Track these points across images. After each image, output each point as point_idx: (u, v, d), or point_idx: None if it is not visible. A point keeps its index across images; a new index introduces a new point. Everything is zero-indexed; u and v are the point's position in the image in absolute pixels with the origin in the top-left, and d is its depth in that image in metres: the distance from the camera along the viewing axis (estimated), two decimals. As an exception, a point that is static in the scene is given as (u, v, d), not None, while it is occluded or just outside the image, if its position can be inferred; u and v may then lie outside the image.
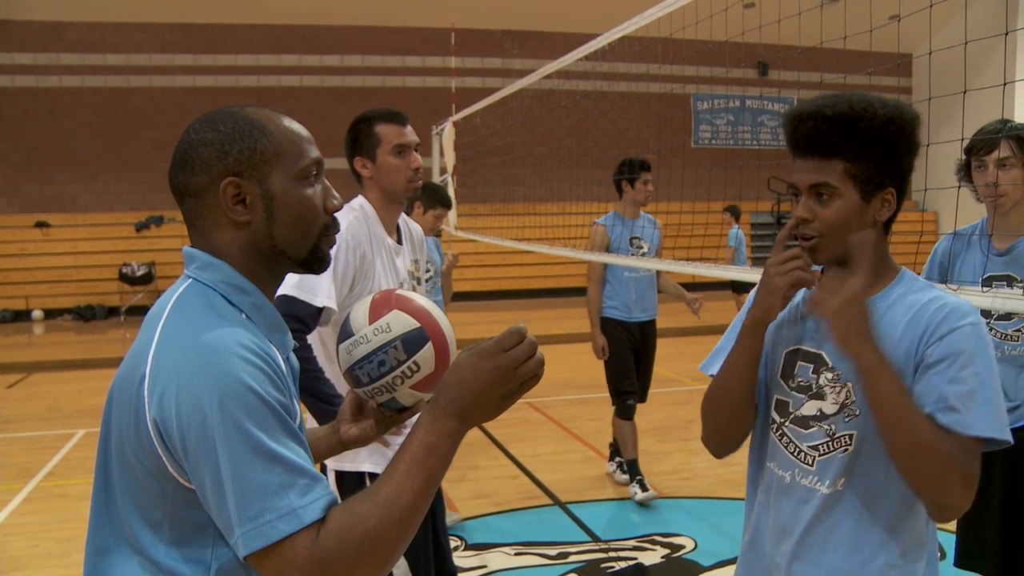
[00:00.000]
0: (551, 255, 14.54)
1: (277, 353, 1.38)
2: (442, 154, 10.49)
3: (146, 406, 1.27)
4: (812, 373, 1.84)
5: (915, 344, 1.73)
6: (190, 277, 1.41)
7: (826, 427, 1.82)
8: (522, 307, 15.55)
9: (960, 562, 3.21)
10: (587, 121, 16.36)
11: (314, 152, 1.45)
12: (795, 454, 1.86)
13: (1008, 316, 2.98)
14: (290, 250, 1.43)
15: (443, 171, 10.29)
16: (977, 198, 3.11)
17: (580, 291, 17.62)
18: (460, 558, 4.60)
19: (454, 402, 1.31)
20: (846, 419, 1.80)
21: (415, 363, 1.53)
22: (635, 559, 4.70)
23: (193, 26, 17.30)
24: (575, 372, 9.85)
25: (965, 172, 3.10)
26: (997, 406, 1.66)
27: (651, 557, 4.72)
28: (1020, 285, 2.94)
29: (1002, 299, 2.49)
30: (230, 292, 1.39)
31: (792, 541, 1.86)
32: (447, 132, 10.36)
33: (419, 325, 1.53)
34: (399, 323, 1.52)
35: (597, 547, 4.85)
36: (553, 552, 4.78)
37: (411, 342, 1.52)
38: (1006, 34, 2.91)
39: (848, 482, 1.80)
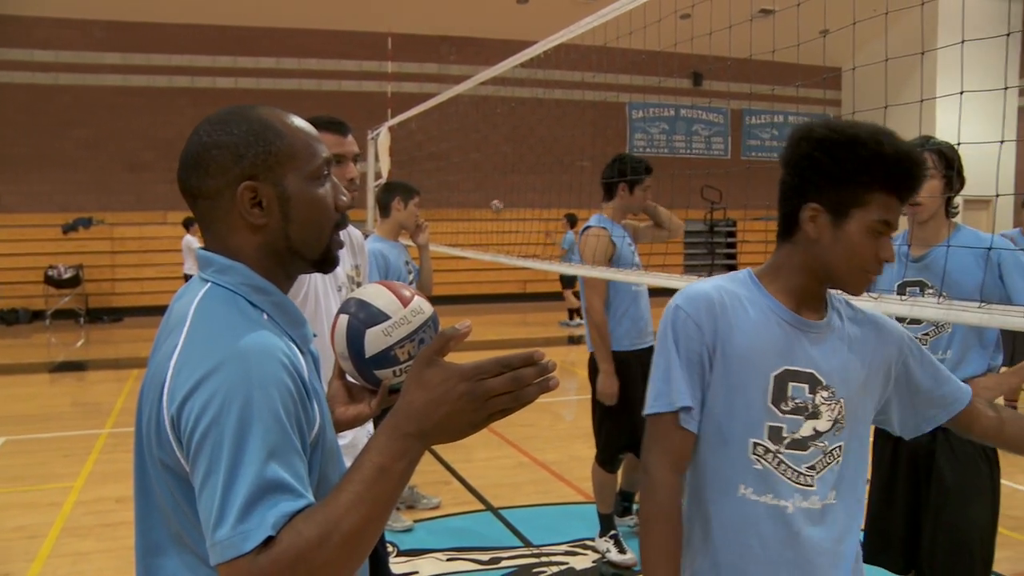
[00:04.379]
0: (485, 261, 14.56)
1: (300, 355, 1.37)
2: (377, 159, 10.44)
3: (165, 405, 1.27)
4: (809, 393, 1.84)
5: (883, 357, 1.93)
6: (208, 281, 1.40)
7: (820, 444, 1.84)
8: (456, 312, 15.54)
9: (868, 558, 3.31)
10: (523, 128, 16.43)
11: (324, 151, 1.47)
12: (795, 479, 1.83)
13: (917, 321, 3.10)
14: (305, 250, 1.45)
15: (378, 176, 10.24)
16: (902, 211, 3.22)
17: (514, 297, 17.64)
18: (392, 564, 4.58)
19: (416, 420, 1.26)
20: (836, 432, 1.85)
21: None
22: (567, 563, 4.72)
23: (124, 24, 16.99)
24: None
25: None
26: None
27: (583, 561, 4.75)
28: (931, 291, 3.06)
29: (920, 307, 2.57)
30: (251, 294, 1.39)
31: (788, 567, 1.85)
32: (383, 137, 10.32)
33: (433, 309, 1.66)
34: (426, 306, 1.63)
35: (529, 552, 4.87)
36: (485, 557, 4.79)
37: (436, 323, 1.64)
38: (923, 53, 3.01)
39: (838, 493, 1.86)
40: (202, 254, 1.43)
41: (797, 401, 1.83)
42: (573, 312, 15.26)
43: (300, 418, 1.29)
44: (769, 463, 1.83)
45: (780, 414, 1.83)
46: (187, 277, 14.22)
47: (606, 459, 4.76)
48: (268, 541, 1.18)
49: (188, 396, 1.24)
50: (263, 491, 1.19)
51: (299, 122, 1.46)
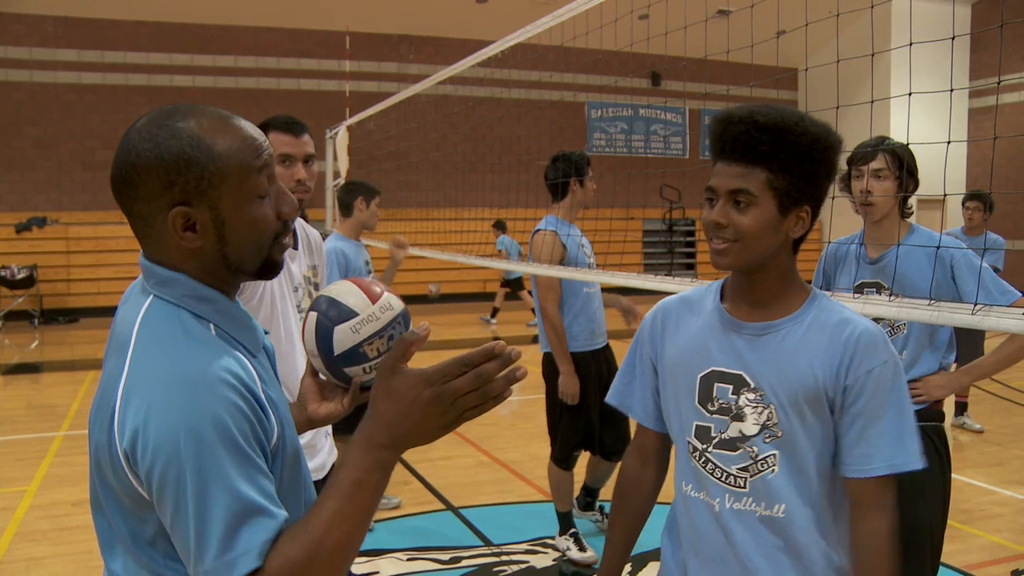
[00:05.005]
0: (444, 260, 14.53)
1: (249, 365, 1.35)
2: (335, 158, 10.39)
3: (117, 438, 1.24)
4: (732, 394, 1.84)
5: (833, 372, 1.77)
6: (151, 293, 1.36)
7: (748, 449, 1.82)
8: (416, 312, 15.48)
9: None
10: (482, 127, 16.44)
11: (262, 159, 1.38)
12: (723, 479, 1.85)
13: (876, 321, 3.16)
14: (244, 266, 1.40)
15: (336, 175, 10.19)
16: (855, 209, 3.28)
17: (473, 296, 17.63)
18: (352, 564, 4.56)
19: (388, 431, 1.28)
20: (767, 440, 1.80)
21: None
22: (527, 562, 4.73)
23: (78, 19, 16.73)
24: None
25: (846, 183, 3.29)
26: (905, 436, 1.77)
27: (543, 560, 4.76)
28: (888, 292, 3.11)
29: (871, 305, 2.62)
30: (194, 305, 1.35)
31: (726, 565, 1.86)
32: (341, 136, 10.27)
33: (404, 304, 1.66)
34: (396, 302, 1.63)
35: (489, 551, 4.87)
36: (446, 557, 4.79)
37: (406, 318, 1.64)
38: (872, 55, 3.05)
39: (788, 508, 1.80)
40: (144, 264, 1.39)
41: (721, 402, 1.85)
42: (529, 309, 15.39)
43: (258, 435, 1.28)
44: (697, 461, 1.89)
45: (707, 414, 1.86)
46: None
47: (562, 457, 4.80)
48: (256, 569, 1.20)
49: (138, 431, 1.22)
50: (237, 518, 1.20)
51: (236, 132, 1.36)
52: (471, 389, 1.27)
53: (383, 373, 1.30)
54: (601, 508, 5.19)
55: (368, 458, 1.28)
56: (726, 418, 1.84)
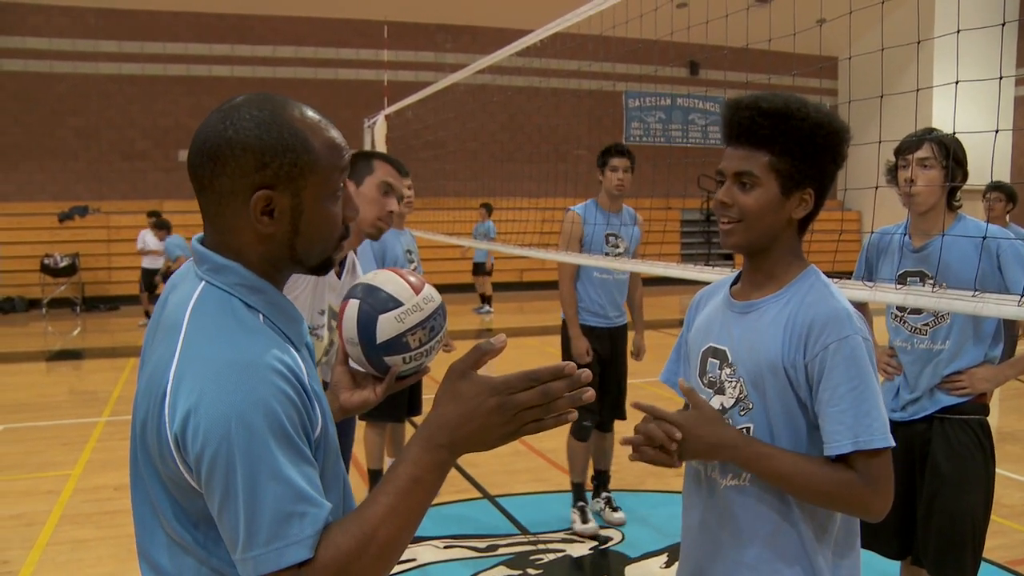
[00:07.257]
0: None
1: (297, 357, 1.36)
2: (373, 147, 10.43)
3: (167, 422, 1.26)
4: (718, 369, 1.93)
5: (793, 349, 1.81)
6: (203, 279, 1.37)
7: (727, 420, 1.88)
8: (452, 301, 15.51)
9: (862, 543, 3.34)
10: (519, 116, 16.42)
11: (343, 162, 1.42)
12: None
13: (918, 311, 3.12)
14: (306, 260, 1.42)
15: (374, 164, 10.24)
16: (903, 202, 3.23)
17: (511, 286, 17.68)
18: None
19: (448, 433, 1.30)
20: (741, 412, 1.87)
21: (446, 329, 1.70)
22: (563, 551, 4.74)
23: (119, 11, 16.93)
24: (506, 365, 9.85)
25: (892, 175, 3.25)
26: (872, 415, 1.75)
27: (579, 549, 4.77)
28: (931, 281, 3.07)
29: (914, 296, 2.59)
30: (246, 294, 1.36)
31: (703, 537, 1.95)
32: (379, 125, 10.32)
33: (441, 297, 1.68)
34: (436, 294, 1.66)
35: (526, 539, 4.88)
36: (482, 545, 4.80)
37: (445, 311, 1.68)
38: (919, 43, 3.01)
39: (751, 477, 1.86)
40: (198, 249, 1.40)
41: (710, 376, 1.96)
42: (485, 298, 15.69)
43: (306, 424, 1.30)
44: None
45: (703, 387, 1.96)
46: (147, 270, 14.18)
47: (575, 427, 5.01)
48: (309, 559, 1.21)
49: (189, 416, 1.23)
50: (288, 505, 1.21)
51: (327, 132, 1.40)
52: (535, 404, 1.30)
53: (452, 376, 1.32)
54: (609, 500, 5.21)
55: (427, 456, 1.30)
56: (711, 391, 1.95)
